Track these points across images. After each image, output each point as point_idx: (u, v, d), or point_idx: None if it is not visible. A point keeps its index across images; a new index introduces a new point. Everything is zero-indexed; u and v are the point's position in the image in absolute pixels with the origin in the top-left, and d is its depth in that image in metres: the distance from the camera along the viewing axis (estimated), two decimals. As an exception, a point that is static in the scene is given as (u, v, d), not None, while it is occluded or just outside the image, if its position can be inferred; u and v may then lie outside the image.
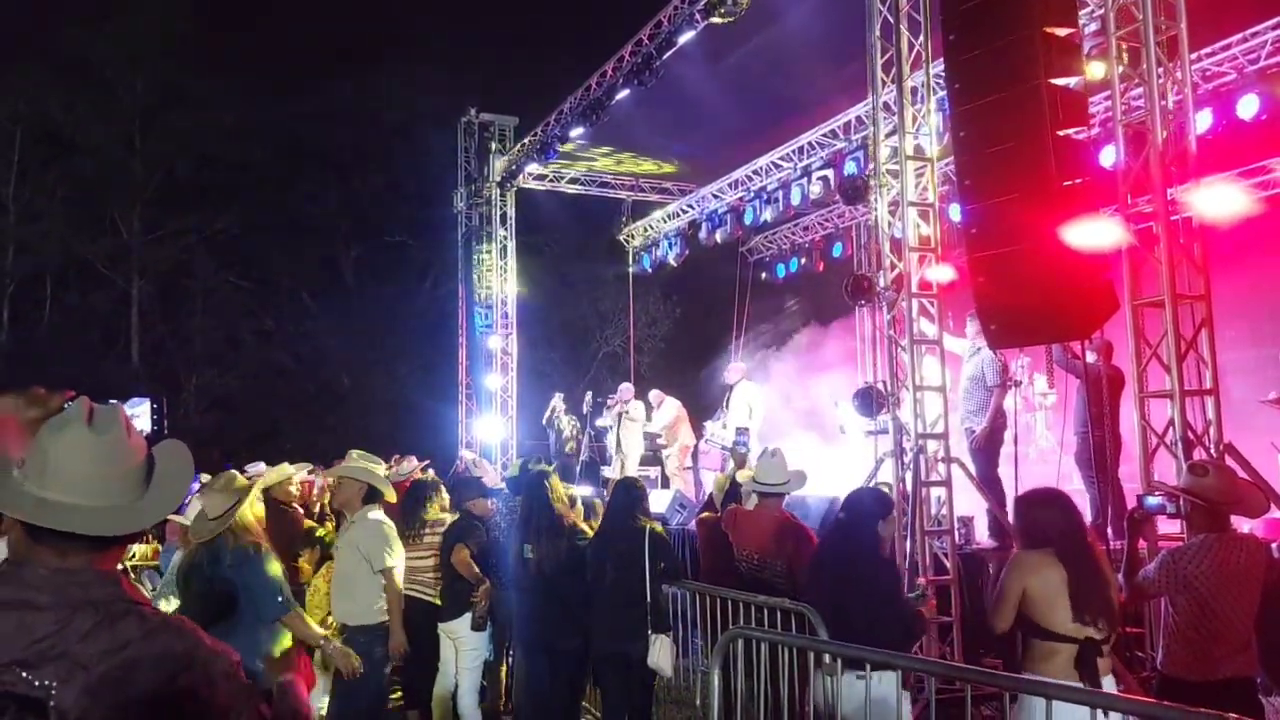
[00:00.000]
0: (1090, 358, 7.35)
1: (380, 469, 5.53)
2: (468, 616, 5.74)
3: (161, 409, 21.24)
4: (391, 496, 5.65)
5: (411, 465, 8.96)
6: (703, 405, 14.23)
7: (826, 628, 4.17)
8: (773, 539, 5.25)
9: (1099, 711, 2.90)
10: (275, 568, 4.49)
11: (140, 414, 21.24)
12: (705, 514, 6.60)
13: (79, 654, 1.59)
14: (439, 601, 6.01)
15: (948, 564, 6.86)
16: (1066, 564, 3.60)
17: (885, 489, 7.21)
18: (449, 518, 6.24)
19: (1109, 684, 3.63)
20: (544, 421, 14.33)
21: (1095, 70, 6.60)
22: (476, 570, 5.72)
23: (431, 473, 7.86)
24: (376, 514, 5.33)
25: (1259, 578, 3.87)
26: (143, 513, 1.76)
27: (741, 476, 5.57)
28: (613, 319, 25.55)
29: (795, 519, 5.67)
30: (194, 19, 23.66)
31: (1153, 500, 4.26)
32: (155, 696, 1.63)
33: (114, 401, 1.85)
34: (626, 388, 13.13)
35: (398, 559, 5.31)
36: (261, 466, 7.09)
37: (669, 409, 12.66)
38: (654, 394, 13.01)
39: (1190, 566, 3.83)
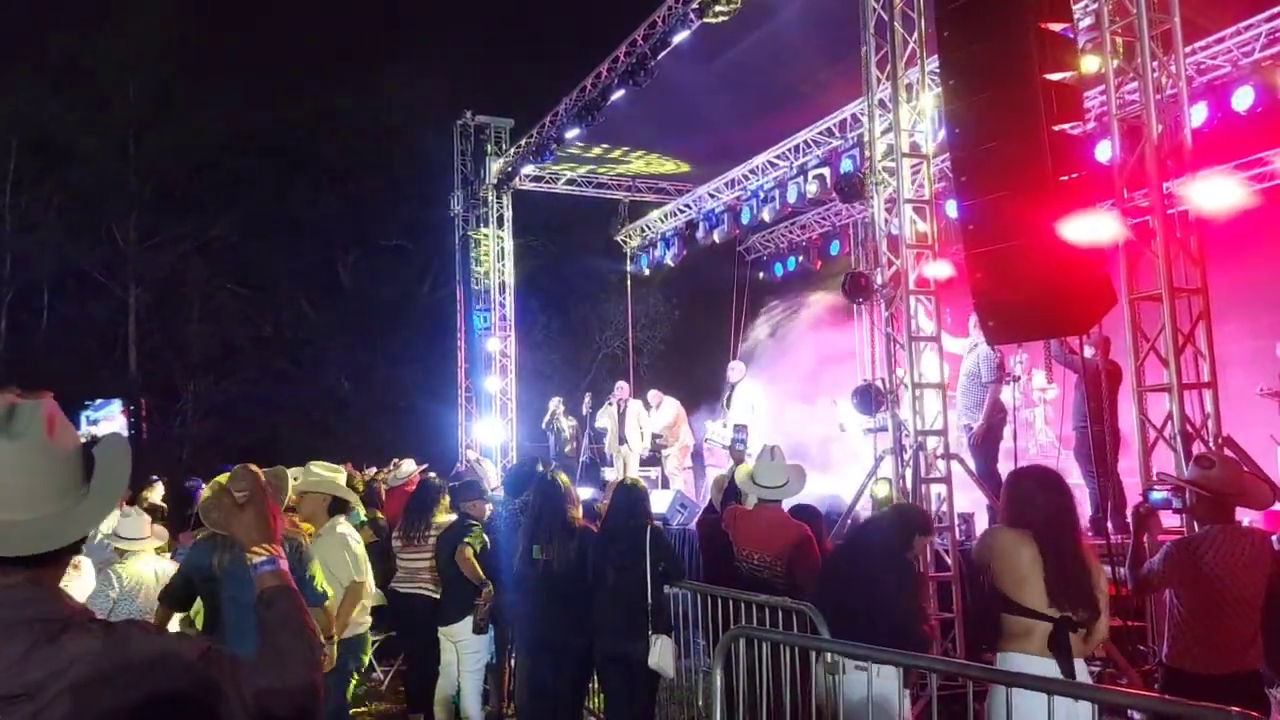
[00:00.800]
0: (1089, 352, 7.36)
1: (341, 477, 5.41)
2: (469, 619, 5.74)
3: (138, 411, 19.88)
4: (358, 504, 5.56)
5: (410, 468, 8.96)
6: (703, 405, 14.22)
7: (828, 626, 4.16)
8: (773, 539, 5.24)
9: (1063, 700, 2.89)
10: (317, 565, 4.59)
11: (108, 417, 19.81)
12: (704, 516, 6.58)
13: (18, 683, 1.44)
14: (439, 597, 6.02)
15: (949, 560, 6.86)
16: (1043, 547, 3.54)
17: (885, 483, 7.22)
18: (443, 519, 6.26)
19: (1080, 667, 3.56)
20: (544, 425, 14.33)
21: (1090, 64, 6.60)
22: (480, 570, 5.71)
23: (434, 475, 7.85)
24: (343, 527, 5.20)
25: (1265, 570, 3.87)
26: (80, 517, 1.60)
27: (740, 474, 5.55)
28: (611, 320, 25.55)
29: (808, 516, 5.66)
30: (185, 23, 23.62)
31: (1157, 494, 4.24)
32: (126, 706, 1.49)
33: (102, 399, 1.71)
34: (622, 386, 13.16)
35: (366, 572, 5.17)
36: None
37: (669, 409, 12.67)
38: (653, 394, 13.01)
39: (1197, 557, 3.82)
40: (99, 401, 19.78)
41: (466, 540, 5.80)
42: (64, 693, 1.45)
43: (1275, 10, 8.71)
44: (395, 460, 10.21)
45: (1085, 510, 7.60)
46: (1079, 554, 3.60)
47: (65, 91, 23.27)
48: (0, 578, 1.52)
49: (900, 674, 3.71)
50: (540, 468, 5.98)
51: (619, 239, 17.29)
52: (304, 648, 1.77)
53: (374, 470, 12.66)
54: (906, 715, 3.99)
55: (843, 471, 9.91)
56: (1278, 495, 5.88)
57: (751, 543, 5.33)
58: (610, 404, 13.05)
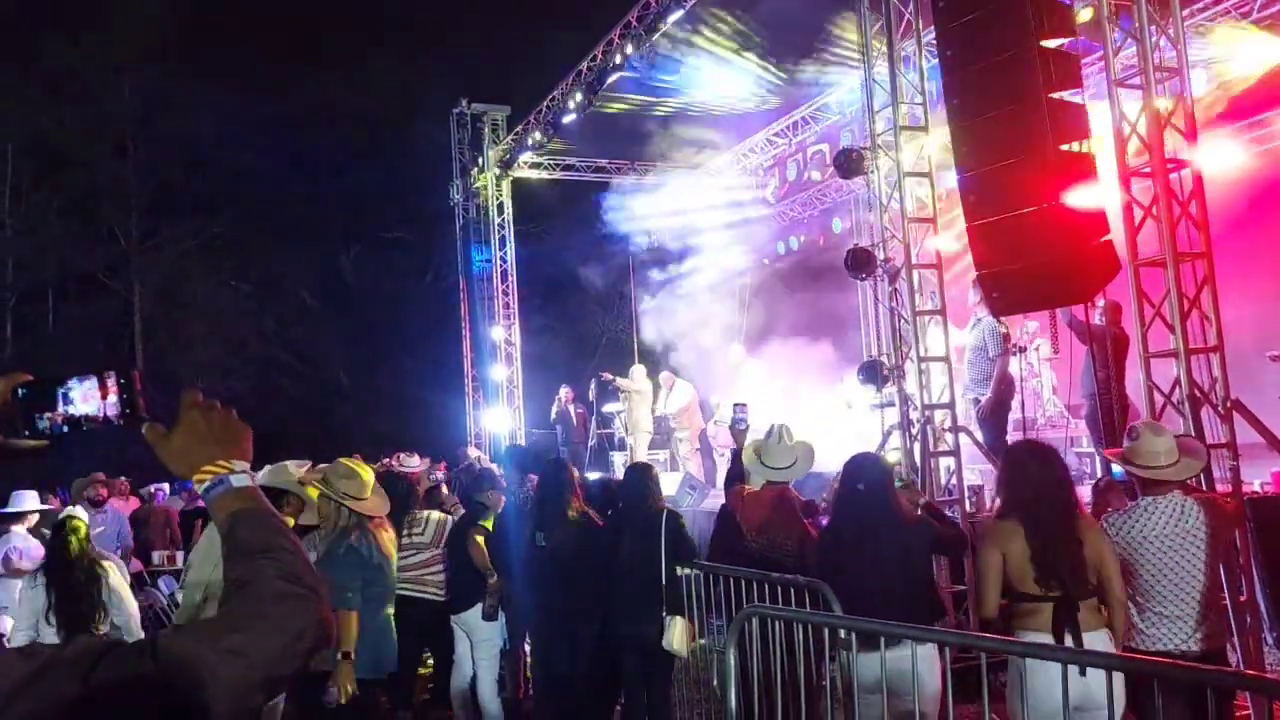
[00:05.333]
0: (1097, 319, 7.32)
1: (297, 472, 5.23)
2: (479, 607, 5.74)
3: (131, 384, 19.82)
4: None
5: (415, 463, 8.86)
6: (707, 386, 14.21)
7: (841, 603, 4.16)
8: (781, 518, 5.23)
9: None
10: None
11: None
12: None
13: None
14: (438, 594, 5.93)
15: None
16: (1029, 529, 3.56)
17: (895, 454, 7.18)
18: (434, 515, 6.15)
19: (1100, 639, 3.53)
20: (552, 419, 14.25)
21: (1087, 30, 6.53)
22: (487, 559, 5.69)
23: (440, 473, 7.78)
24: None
25: (1217, 541, 3.70)
26: None
27: (747, 455, 5.52)
28: (614, 304, 25.50)
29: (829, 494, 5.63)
30: (177, 20, 23.55)
31: (1118, 468, 4.17)
32: None
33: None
34: (636, 369, 13.10)
35: None
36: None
37: (682, 392, 12.51)
38: (664, 375, 12.91)
39: (1122, 533, 3.73)
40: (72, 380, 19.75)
41: (481, 522, 5.81)
42: None
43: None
44: (399, 455, 10.12)
45: (1096, 476, 7.59)
46: (1070, 532, 3.57)
47: (60, 95, 23.23)
48: None
49: (934, 648, 3.71)
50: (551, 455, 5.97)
51: (619, 222, 17.22)
52: (275, 578, 1.23)
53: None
54: (936, 687, 3.98)
55: (850, 448, 9.87)
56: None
57: (760, 523, 5.33)
58: (623, 392, 13.00)
